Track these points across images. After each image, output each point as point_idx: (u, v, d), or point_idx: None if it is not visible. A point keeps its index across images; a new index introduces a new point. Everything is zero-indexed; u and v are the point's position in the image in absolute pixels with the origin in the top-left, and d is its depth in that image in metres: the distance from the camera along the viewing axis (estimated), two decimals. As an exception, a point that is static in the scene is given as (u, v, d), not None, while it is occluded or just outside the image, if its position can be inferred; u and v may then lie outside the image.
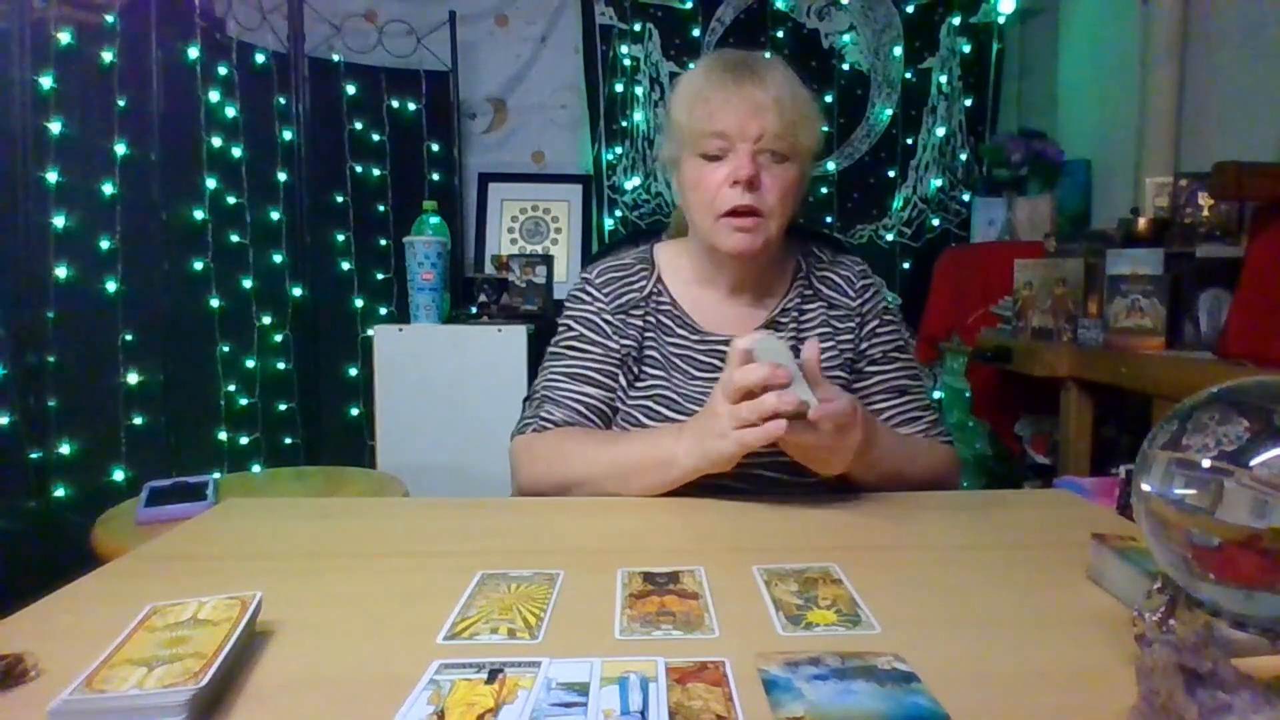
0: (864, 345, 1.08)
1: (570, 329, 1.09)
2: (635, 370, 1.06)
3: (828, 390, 0.84)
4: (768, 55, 1.03)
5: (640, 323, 1.07)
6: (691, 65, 1.12)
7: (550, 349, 1.11)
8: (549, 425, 1.04)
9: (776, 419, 0.80)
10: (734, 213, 0.97)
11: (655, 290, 1.09)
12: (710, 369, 1.03)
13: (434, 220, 2.46)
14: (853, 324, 1.08)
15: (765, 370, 0.80)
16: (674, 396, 1.02)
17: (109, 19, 2.04)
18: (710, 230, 1.00)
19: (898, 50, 2.89)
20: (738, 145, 0.96)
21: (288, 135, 2.51)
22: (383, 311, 2.74)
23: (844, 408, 0.82)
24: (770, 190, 0.97)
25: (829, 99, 2.87)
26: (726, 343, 1.02)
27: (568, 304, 1.13)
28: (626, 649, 0.55)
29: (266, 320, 2.48)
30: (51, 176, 1.90)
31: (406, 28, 2.73)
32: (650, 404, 1.02)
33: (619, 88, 2.87)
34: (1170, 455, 0.47)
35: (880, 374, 1.08)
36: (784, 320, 1.07)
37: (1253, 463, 0.43)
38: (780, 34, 2.87)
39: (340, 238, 2.66)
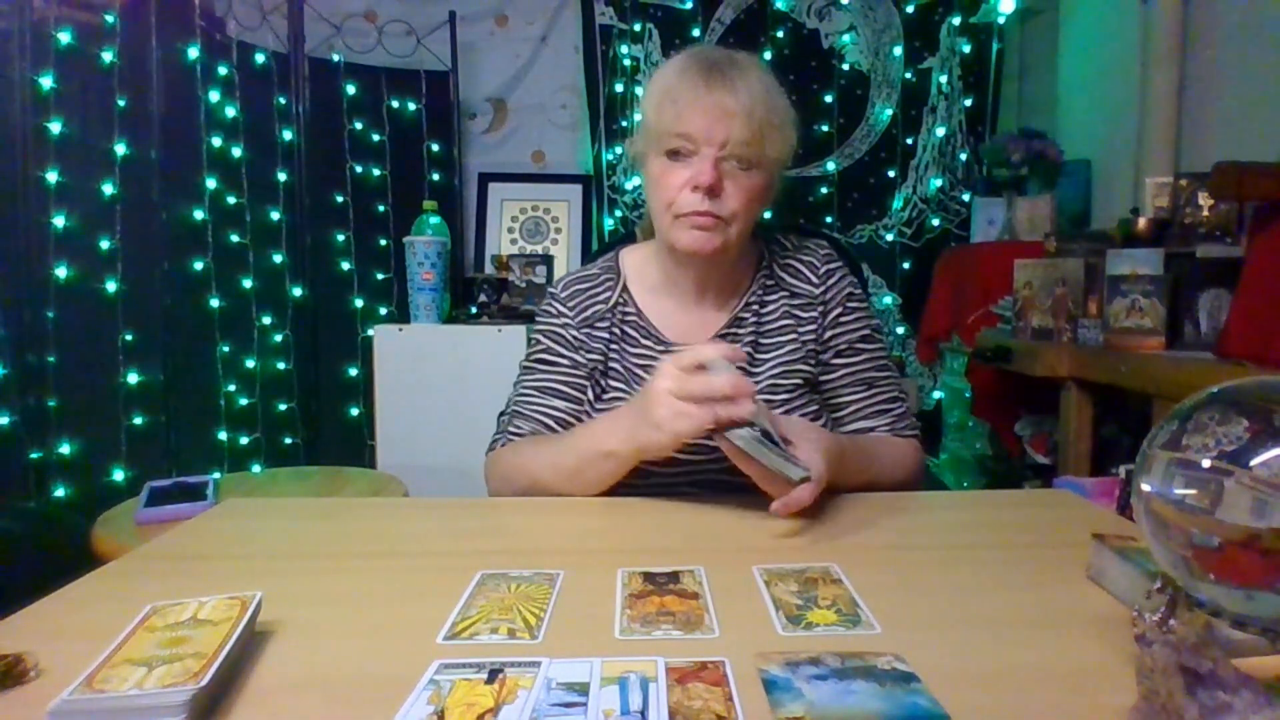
0: (828, 334, 1.05)
1: (539, 343, 1.09)
2: (601, 384, 1.04)
3: (799, 450, 0.83)
4: (744, 55, 0.99)
5: (606, 335, 1.05)
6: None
7: (522, 364, 1.11)
8: (515, 439, 1.04)
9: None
10: (691, 215, 0.96)
11: (620, 300, 1.07)
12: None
13: (434, 220, 2.46)
14: (815, 313, 1.05)
15: (728, 384, 0.78)
16: None
17: (109, 19, 2.04)
18: (668, 228, 0.98)
19: (898, 50, 2.89)
20: (702, 149, 0.94)
21: (288, 135, 2.51)
22: (383, 311, 2.74)
23: (806, 498, 0.80)
24: (732, 197, 0.95)
25: (829, 99, 2.87)
26: None
27: (538, 318, 1.12)
28: (626, 649, 0.55)
29: (266, 320, 2.48)
30: (51, 176, 1.90)
31: (406, 28, 2.73)
32: None
33: (619, 88, 2.87)
34: (1170, 455, 0.47)
35: (846, 367, 1.06)
36: (745, 316, 1.05)
37: (1253, 463, 0.43)
38: (780, 34, 2.87)
39: (340, 238, 2.66)
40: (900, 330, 2.95)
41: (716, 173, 0.93)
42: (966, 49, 2.87)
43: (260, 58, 2.48)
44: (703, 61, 0.96)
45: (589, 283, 1.10)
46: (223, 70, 2.37)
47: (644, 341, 1.05)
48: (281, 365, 2.53)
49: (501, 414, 1.11)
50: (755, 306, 1.06)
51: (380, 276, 2.74)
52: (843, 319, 1.06)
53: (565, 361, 1.06)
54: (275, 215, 2.50)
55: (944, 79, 2.89)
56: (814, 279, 1.07)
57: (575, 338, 1.06)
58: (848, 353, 1.06)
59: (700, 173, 0.93)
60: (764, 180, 0.98)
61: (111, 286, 2.03)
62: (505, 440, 1.06)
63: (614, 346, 1.05)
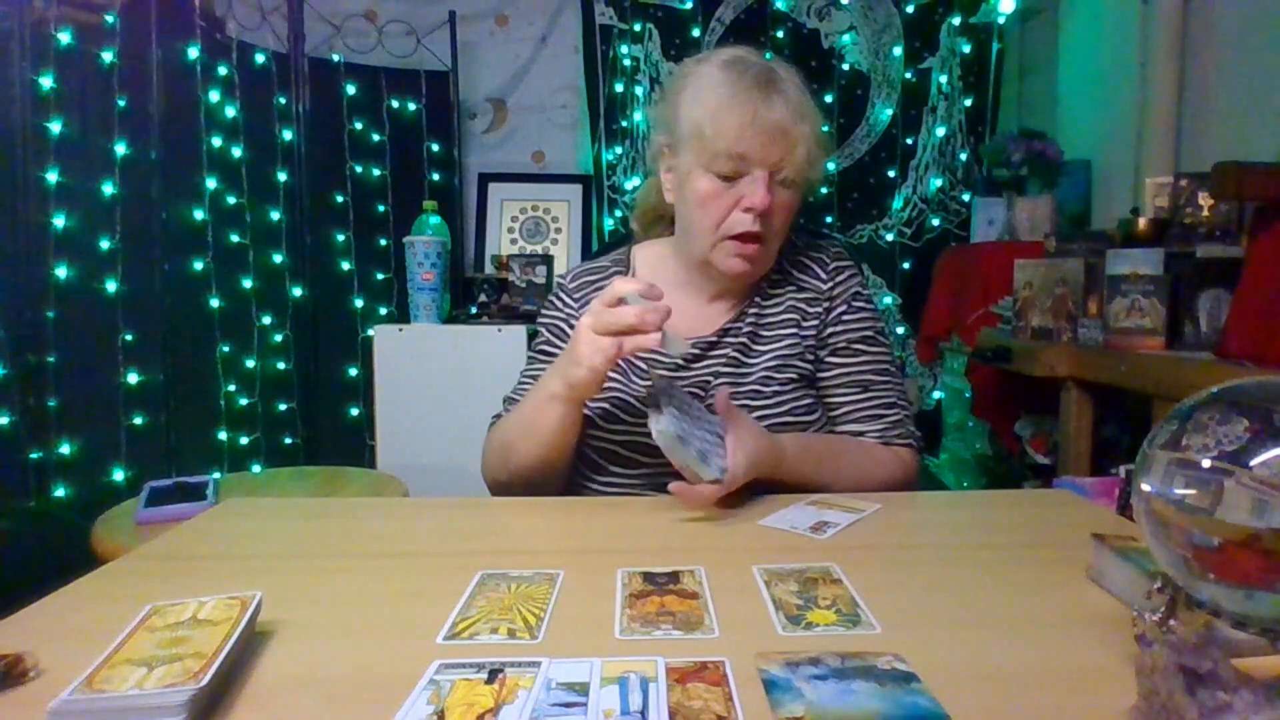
0: (828, 331, 1.05)
1: (542, 335, 1.11)
2: None
3: (731, 439, 0.85)
4: (781, 65, 0.98)
5: None
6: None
7: (528, 353, 1.13)
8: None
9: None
10: (740, 236, 0.96)
11: None
12: (672, 368, 1.03)
13: (434, 220, 2.46)
14: (820, 308, 1.05)
15: (634, 314, 0.83)
16: (629, 399, 1.00)
17: (109, 19, 2.04)
18: (710, 248, 0.98)
19: (898, 50, 2.89)
20: (755, 170, 0.93)
21: (288, 135, 2.51)
22: (383, 311, 2.74)
23: (708, 497, 0.83)
24: (776, 215, 0.96)
25: (829, 99, 2.87)
26: (690, 347, 1.03)
27: (543, 310, 1.14)
28: (626, 649, 0.55)
29: (266, 320, 2.48)
30: (51, 176, 1.90)
31: (406, 28, 2.73)
32: (607, 405, 1.01)
33: (619, 88, 2.87)
34: (1170, 455, 0.47)
35: (841, 366, 1.05)
36: (748, 310, 1.05)
37: (1253, 463, 0.43)
38: (780, 34, 2.87)
39: (340, 238, 2.66)
40: (900, 330, 2.95)
41: (771, 195, 0.93)
42: (966, 49, 2.87)
43: (260, 58, 2.48)
44: (755, 76, 0.94)
45: (598, 275, 1.11)
46: (223, 70, 2.36)
47: None
48: (281, 365, 2.53)
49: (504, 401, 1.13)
50: (758, 300, 1.06)
51: (380, 276, 2.74)
52: (845, 317, 1.06)
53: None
54: (275, 215, 2.50)
55: (944, 79, 2.89)
56: (823, 275, 1.07)
57: (575, 327, 1.07)
58: (845, 352, 1.05)
59: (755, 195, 0.93)
60: (800, 196, 1.00)
61: (111, 286, 2.03)
62: (496, 423, 1.09)
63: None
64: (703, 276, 1.05)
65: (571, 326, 1.07)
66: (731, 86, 0.94)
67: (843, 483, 0.97)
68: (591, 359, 0.85)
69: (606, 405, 1.01)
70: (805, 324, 1.05)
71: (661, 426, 0.82)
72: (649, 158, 1.09)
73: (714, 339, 1.04)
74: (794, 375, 1.02)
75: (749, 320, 1.05)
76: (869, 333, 1.07)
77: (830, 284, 1.07)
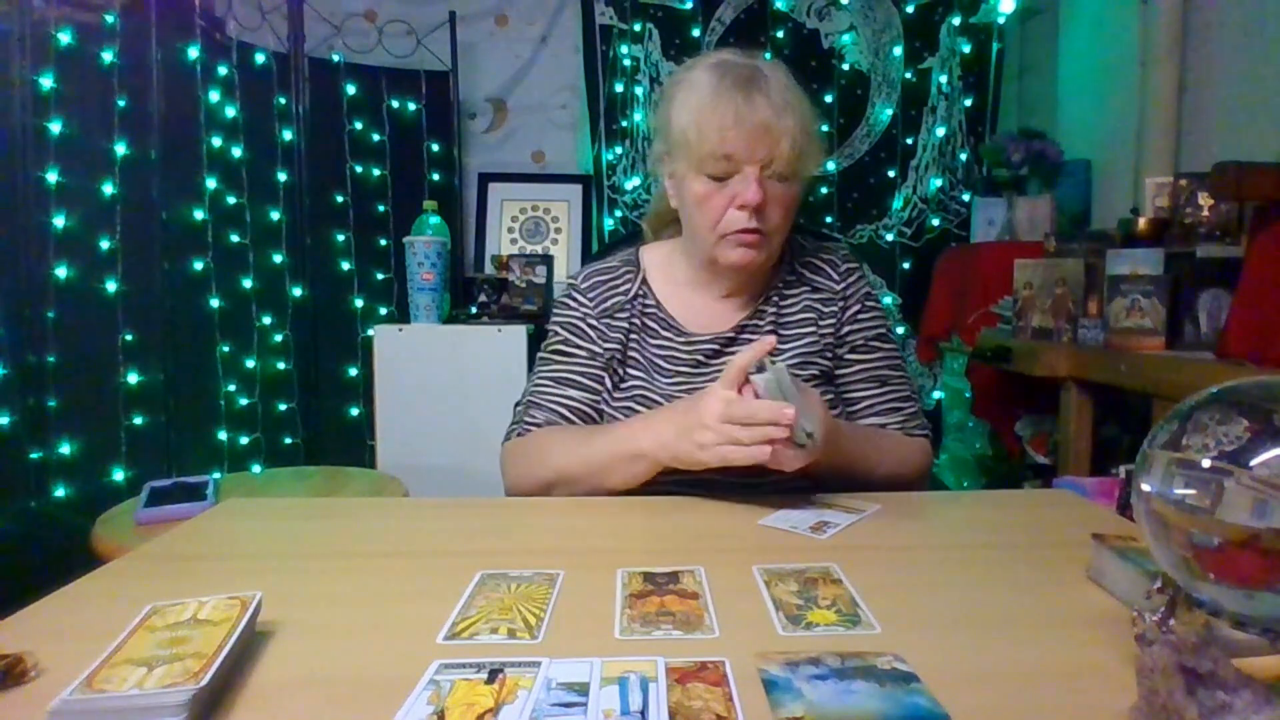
0: (845, 330, 1.08)
1: (556, 334, 1.11)
2: (620, 372, 1.06)
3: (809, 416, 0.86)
4: (767, 63, 1.00)
5: (625, 325, 1.07)
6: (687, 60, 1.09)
7: (539, 355, 1.13)
8: (532, 429, 1.06)
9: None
10: (738, 233, 0.97)
11: (640, 292, 1.09)
12: (692, 367, 1.04)
13: (434, 220, 2.46)
14: (835, 308, 1.08)
15: (773, 411, 0.81)
16: (655, 397, 1.03)
17: (109, 19, 2.04)
18: (712, 245, 1.00)
19: (898, 50, 2.89)
20: (745, 168, 0.95)
21: (288, 135, 2.50)
22: (383, 311, 2.74)
23: (799, 461, 0.85)
24: (774, 211, 0.97)
25: (829, 99, 2.87)
26: (709, 343, 1.05)
27: (555, 310, 1.14)
28: (626, 649, 0.55)
29: (266, 320, 2.48)
30: (51, 176, 1.90)
31: (406, 28, 2.73)
32: (632, 405, 1.03)
33: (619, 88, 2.87)
34: (1170, 455, 0.47)
35: (861, 363, 1.08)
36: (765, 309, 1.07)
37: (1253, 463, 0.43)
38: (780, 34, 2.87)
39: (340, 238, 2.66)
40: (900, 330, 2.95)
41: (762, 191, 0.95)
42: (966, 49, 2.87)
43: (260, 58, 2.47)
44: (736, 76, 0.96)
45: (609, 274, 1.12)
46: (223, 70, 2.36)
47: (664, 333, 1.07)
48: (281, 365, 2.53)
49: (517, 404, 1.13)
50: (775, 299, 1.08)
51: (380, 276, 2.74)
52: (860, 316, 1.09)
53: (582, 353, 1.08)
54: (275, 215, 2.50)
55: (944, 79, 2.89)
56: (835, 275, 1.10)
57: (593, 326, 1.08)
58: (863, 349, 1.08)
59: (747, 191, 0.94)
60: (799, 190, 1.01)
61: (111, 286, 2.03)
62: (521, 429, 1.07)
63: (633, 336, 1.07)
64: (710, 275, 1.07)
65: (589, 325, 1.08)
66: (714, 89, 0.96)
67: (885, 468, 1.00)
68: (722, 452, 0.83)
69: (635, 406, 1.02)
70: (822, 323, 1.07)
71: (769, 376, 0.83)
72: (650, 163, 1.11)
73: (731, 335, 1.06)
74: (816, 372, 1.05)
75: (769, 319, 1.07)
76: (882, 330, 1.10)
77: (843, 284, 1.09)
